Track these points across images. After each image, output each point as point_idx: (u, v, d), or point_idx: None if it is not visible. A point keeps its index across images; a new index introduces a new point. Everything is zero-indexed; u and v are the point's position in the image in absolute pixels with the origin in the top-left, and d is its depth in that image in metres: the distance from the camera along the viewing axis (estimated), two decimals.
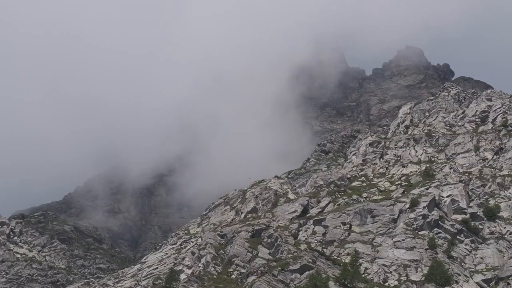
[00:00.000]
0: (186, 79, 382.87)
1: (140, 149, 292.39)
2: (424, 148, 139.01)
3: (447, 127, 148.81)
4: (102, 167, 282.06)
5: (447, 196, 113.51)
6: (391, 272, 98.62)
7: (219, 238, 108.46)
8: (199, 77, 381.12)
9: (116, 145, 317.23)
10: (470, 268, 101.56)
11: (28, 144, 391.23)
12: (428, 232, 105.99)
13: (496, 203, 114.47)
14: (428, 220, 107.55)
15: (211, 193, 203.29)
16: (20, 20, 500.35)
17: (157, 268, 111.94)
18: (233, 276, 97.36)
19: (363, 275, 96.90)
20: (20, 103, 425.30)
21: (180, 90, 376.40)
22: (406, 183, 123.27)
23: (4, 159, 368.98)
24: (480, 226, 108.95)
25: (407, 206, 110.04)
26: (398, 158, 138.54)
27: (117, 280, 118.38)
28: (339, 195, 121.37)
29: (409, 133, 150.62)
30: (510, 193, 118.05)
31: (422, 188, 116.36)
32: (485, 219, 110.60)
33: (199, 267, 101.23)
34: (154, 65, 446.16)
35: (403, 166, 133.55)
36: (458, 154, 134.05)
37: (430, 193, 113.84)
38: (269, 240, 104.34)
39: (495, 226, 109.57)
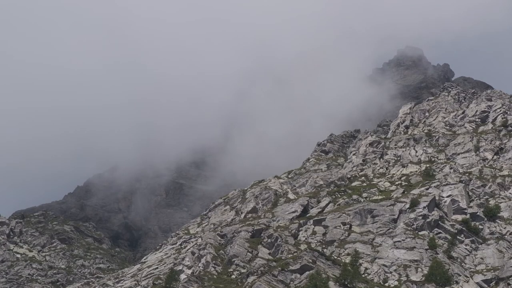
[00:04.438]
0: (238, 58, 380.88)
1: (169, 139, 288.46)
2: (424, 148, 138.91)
3: (447, 127, 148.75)
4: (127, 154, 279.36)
5: (447, 196, 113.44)
6: (391, 272, 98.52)
7: (219, 238, 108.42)
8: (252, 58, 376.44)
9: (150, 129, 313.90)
10: (470, 268, 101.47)
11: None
12: (428, 232, 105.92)
13: (496, 203, 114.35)
14: (428, 220, 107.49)
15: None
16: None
17: (157, 268, 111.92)
18: (233, 276, 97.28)
19: (363, 275, 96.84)
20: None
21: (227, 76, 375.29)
22: (406, 183, 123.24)
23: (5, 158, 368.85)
24: (480, 226, 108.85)
25: (407, 206, 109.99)
26: (398, 158, 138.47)
27: (117, 280, 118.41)
28: (339, 195, 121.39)
29: (409, 133, 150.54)
30: (510, 193, 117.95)
31: (422, 188, 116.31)
32: (485, 219, 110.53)
33: (199, 267, 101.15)
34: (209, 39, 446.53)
35: (403, 166, 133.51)
36: (458, 154, 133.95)
37: (430, 193, 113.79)
38: (269, 240, 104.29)
39: (495, 226, 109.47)
